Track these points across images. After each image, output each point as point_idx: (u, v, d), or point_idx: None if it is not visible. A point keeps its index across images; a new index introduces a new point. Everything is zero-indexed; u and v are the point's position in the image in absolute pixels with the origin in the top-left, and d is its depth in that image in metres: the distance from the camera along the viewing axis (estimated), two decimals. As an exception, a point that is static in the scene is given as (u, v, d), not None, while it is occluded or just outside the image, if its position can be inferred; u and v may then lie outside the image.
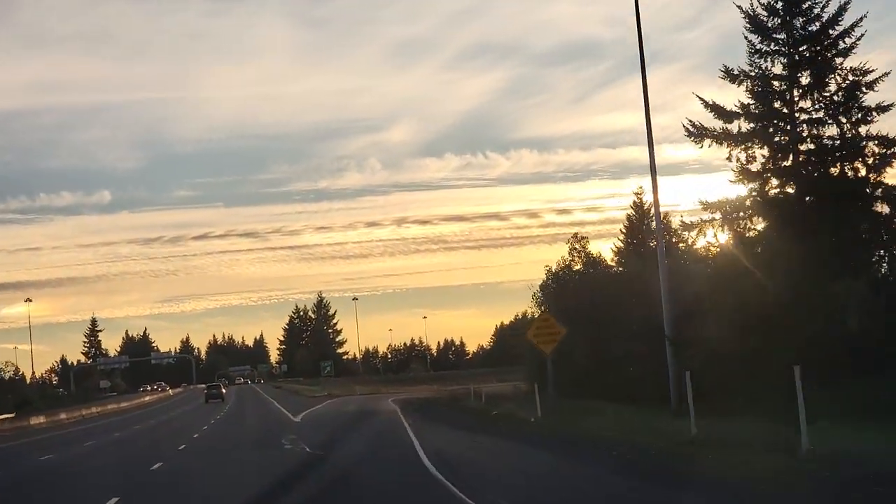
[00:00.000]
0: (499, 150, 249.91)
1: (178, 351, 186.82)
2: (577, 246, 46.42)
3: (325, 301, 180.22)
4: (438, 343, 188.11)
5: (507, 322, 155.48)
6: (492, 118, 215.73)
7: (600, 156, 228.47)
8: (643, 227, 48.09)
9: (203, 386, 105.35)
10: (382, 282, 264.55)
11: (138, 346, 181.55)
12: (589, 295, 40.18)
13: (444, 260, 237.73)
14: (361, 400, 69.87)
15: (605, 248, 59.67)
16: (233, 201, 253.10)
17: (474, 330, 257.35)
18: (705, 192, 37.73)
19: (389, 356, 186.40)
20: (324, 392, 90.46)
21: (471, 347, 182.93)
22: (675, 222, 36.45)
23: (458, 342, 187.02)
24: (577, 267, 46.10)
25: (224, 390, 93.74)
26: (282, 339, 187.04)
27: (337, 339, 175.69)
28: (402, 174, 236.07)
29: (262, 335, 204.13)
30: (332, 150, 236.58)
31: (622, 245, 50.20)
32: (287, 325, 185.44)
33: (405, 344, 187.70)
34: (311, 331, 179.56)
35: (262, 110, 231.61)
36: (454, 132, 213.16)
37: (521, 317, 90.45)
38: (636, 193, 50.00)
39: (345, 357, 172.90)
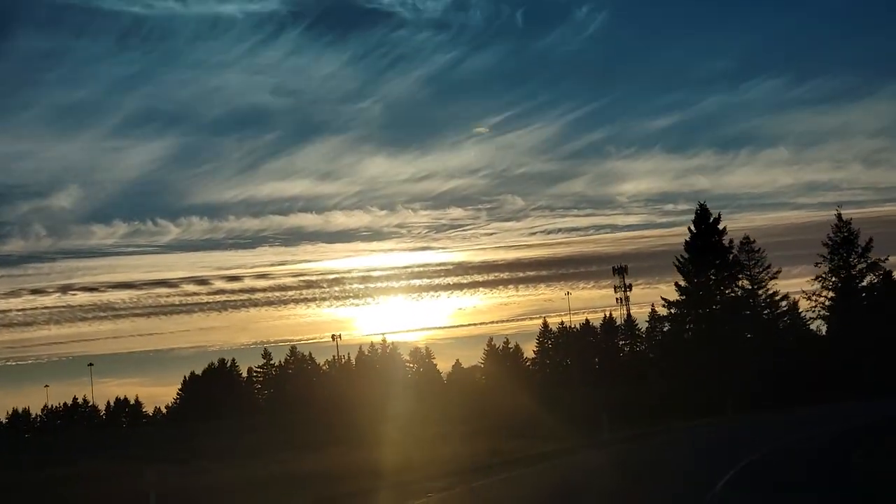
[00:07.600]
0: (168, 217, 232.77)
1: None
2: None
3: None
4: (109, 403, 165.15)
5: (198, 372, 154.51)
6: (161, 185, 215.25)
7: (271, 223, 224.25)
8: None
9: None
10: (47, 350, 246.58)
11: None
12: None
13: (112, 327, 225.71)
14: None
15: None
16: None
17: (143, 395, 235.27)
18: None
19: (42, 419, 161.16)
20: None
21: (148, 409, 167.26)
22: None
23: (131, 401, 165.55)
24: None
25: None
26: None
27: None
28: (67, 241, 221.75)
29: None
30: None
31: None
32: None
33: (65, 404, 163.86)
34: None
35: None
36: (122, 199, 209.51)
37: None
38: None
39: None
